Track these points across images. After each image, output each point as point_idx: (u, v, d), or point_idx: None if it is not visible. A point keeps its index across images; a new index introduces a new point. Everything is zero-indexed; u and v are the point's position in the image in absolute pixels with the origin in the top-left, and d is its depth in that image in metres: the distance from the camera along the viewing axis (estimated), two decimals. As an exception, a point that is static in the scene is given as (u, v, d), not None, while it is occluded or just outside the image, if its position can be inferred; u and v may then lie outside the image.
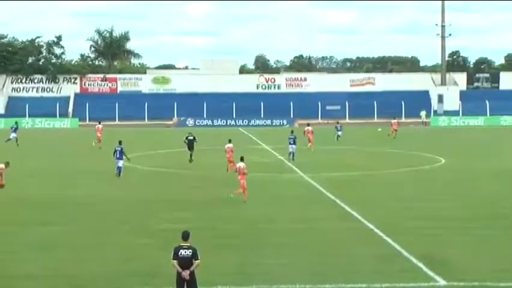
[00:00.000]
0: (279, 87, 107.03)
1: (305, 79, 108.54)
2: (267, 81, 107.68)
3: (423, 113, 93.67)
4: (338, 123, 65.74)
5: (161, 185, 36.27)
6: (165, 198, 31.68)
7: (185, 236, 15.70)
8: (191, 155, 46.71)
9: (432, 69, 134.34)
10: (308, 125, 54.08)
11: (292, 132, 48.99)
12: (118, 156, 38.35)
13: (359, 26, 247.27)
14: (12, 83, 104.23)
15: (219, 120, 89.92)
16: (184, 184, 36.46)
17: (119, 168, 38.35)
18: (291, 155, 46.70)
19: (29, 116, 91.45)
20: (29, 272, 19.43)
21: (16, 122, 64.08)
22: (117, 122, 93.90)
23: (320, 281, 18.43)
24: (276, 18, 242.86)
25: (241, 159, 31.62)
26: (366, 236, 23.90)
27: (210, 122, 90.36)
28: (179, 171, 41.37)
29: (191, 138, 47.27)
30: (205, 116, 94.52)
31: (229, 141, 42.76)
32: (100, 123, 60.91)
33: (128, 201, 30.91)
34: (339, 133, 62.71)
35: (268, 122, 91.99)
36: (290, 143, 46.82)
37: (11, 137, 59.04)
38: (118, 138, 41.25)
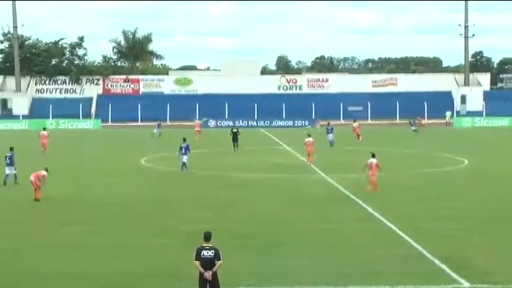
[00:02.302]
0: (300, 88, 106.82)
1: (327, 80, 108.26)
2: (288, 82, 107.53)
3: (448, 114, 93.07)
4: (328, 124, 62.52)
5: (181, 185, 36.35)
6: (185, 199, 31.76)
7: (208, 237, 15.73)
8: (235, 146, 54.09)
9: (456, 69, 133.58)
10: (309, 135, 47.42)
11: (309, 135, 48.06)
12: (183, 152, 41.38)
13: (381, 26, 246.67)
14: (36, 84, 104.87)
15: (241, 121, 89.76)
16: (204, 185, 36.52)
17: (183, 163, 41.24)
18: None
19: (52, 117, 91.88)
20: (53, 271, 19.62)
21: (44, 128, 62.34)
22: (139, 123, 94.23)
23: (342, 282, 18.42)
24: (298, 19, 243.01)
25: (373, 156, 32.97)
26: (388, 237, 23.83)
27: (231, 123, 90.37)
28: (200, 171, 41.45)
29: (235, 131, 55.45)
30: (226, 117, 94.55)
31: (309, 135, 46.27)
32: (45, 129, 57.75)
33: (150, 202, 31.06)
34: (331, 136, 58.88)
35: (290, 123, 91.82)
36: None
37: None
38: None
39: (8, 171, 36.02)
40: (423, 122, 64.37)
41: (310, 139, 45.48)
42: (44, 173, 31.24)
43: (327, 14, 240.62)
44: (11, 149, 37.25)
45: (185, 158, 41.48)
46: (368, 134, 66.07)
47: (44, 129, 58.13)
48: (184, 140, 42.72)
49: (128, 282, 18.74)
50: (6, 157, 36.45)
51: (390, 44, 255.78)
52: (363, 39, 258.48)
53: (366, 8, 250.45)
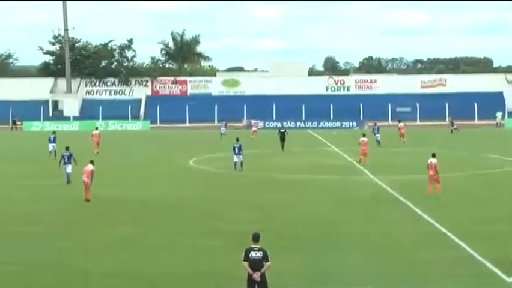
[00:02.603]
0: (348, 89, 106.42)
1: (375, 81, 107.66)
2: (336, 83, 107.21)
3: (499, 114, 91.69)
4: (375, 124, 62.57)
5: (229, 186, 36.43)
6: (233, 200, 31.83)
7: (256, 238, 15.74)
8: (282, 146, 55.17)
9: (507, 69, 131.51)
10: (364, 135, 48.30)
11: (364, 135, 47.93)
12: (236, 152, 42.30)
13: (430, 26, 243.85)
14: (86, 86, 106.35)
15: (288, 122, 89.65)
16: (251, 186, 36.58)
17: (235, 163, 42.32)
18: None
19: (102, 119, 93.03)
20: (104, 270, 19.83)
21: (97, 127, 63.22)
22: (187, 124, 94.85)
23: (390, 285, 18.27)
24: (346, 19, 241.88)
25: (433, 156, 32.89)
26: (437, 239, 23.58)
27: (279, 124, 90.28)
28: (247, 172, 41.50)
29: (283, 131, 57.10)
30: (274, 118, 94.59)
31: (363, 135, 47.28)
32: (97, 128, 59.95)
33: (197, 203, 31.19)
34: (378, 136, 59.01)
35: (338, 124, 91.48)
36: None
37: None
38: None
39: (68, 170, 36.77)
40: (455, 123, 64.41)
41: (365, 139, 45.96)
42: (91, 167, 31.65)
43: (376, 15, 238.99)
44: (67, 148, 38.14)
45: (238, 158, 42.25)
46: (416, 135, 65.40)
47: (97, 128, 60.02)
48: (237, 140, 43.31)
49: (176, 282, 18.83)
50: (64, 156, 37.26)
51: (439, 45, 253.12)
52: (412, 39, 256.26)
53: (415, 8, 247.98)
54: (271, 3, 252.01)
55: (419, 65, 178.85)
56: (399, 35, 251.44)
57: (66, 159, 37.02)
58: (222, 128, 74.55)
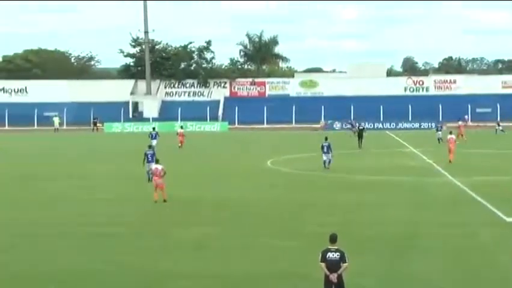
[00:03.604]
0: (427, 90, 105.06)
1: (455, 81, 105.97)
2: (415, 84, 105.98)
3: None
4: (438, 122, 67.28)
5: (307, 187, 36.33)
6: (312, 201, 31.68)
7: (333, 239, 15.64)
8: (360, 142, 58.30)
9: None
10: (451, 133, 50.16)
11: (451, 132, 49.12)
12: (325, 150, 43.34)
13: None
14: (165, 87, 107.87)
15: (366, 123, 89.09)
16: (329, 187, 36.43)
17: (324, 161, 43.39)
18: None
19: (181, 120, 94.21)
20: (181, 271, 19.96)
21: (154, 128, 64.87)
22: (265, 125, 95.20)
23: (471, 288, 18.06)
24: (425, 20, 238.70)
25: None
26: (519, 243, 23.10)
27: (357, 124, 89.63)
28: (325, 174, 41.42)
29: (361, 128, 60.76)
30: (352, 119, 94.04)
31: (450, 132, 49.04)
32: (182, 127, 64.82)
33: (275, 204, 31.18)
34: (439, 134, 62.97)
35: (416, 125, 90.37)
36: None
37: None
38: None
39: (148, 167, 36.84)
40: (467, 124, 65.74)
41: (453, 136, 47.53)
42: (160, 167, 31.67)
43: (455, 14, 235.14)
44: (150, 147, 40.41)
45: (326, 156, 43.34)
46: (495, 136, 63.96)
47: (182, 127, 64.52)
48: (326, 139, 44.22)
49: (253, 283, 18.89)
50: (147, 155, 37.92)
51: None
52: (493, 39, 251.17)
53: (497, 8, 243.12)
54: (350, 4, 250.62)
55: (500, 65, 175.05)
56: (480, 34, 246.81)
57: (150, 157, 37.53)
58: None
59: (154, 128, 60.73)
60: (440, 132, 62.76)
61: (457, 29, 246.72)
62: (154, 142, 53.21)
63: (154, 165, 33.37)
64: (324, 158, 43.38)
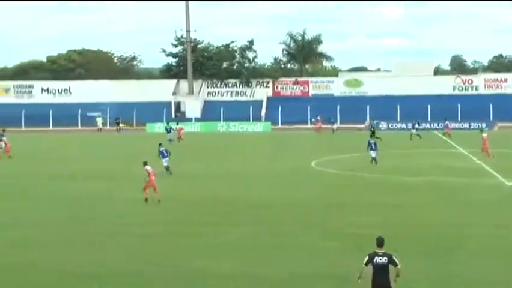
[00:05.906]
0: (476, 89, 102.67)
1: (506, 80, 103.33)
2: (463, 83, 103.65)
3: None
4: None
5: (350, 188, 35.58)
6: (355, 202, 31.08)
7: (380, 243, 15.25)
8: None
9: None
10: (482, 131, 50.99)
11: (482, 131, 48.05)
12: (372, 147, 44.97)
13: None
14: (207, 87, 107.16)
15: (417, 124, 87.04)
16: (373, 188, 35.65)
17: (374, 158, 44.83)
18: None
19: (223, 120, 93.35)
20: (221, 271, 19.72)
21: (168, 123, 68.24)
22: (309, 125, 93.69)
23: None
24: (474, 17, 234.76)
25: None
26: None
27: (403, 126, 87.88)
28: (369, 174, 40.46)
29: (373, 130, 60.66)
30: (398, 119, 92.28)
31: (481, 131, 51.46)
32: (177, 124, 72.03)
33: (317, 204, 30.68)
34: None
35: (466, 125, 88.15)
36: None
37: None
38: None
39: (166, 163, 40.67)
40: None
41: (485, 135, 49.33)
42: (148, 167, 31.66)
43: (506, 11, 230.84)
44: (160, 145, 42.45)
45: (374, 153, 44.83)
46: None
47: (177, 124, 72.27)
48: (372, 135, 46.13)
49: (294, 283, 18.59)
50: (162, 151, 41.17)
51: None
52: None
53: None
54: (396, 2, 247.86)
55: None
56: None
57: (165, 152, 40.81)
58: (413, 130, 71.24)
59: (168, 123, 72.46)
60: (414, 130, 64.58)
61: (508, 26, 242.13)
62: (170, 136, 63.46)
63: (166, 160, 39.98)
64: (373, 154, 44.69)
